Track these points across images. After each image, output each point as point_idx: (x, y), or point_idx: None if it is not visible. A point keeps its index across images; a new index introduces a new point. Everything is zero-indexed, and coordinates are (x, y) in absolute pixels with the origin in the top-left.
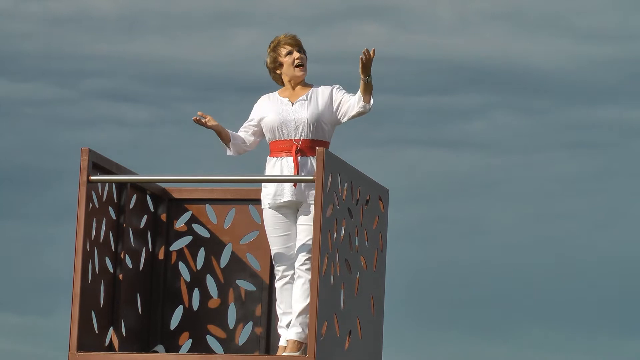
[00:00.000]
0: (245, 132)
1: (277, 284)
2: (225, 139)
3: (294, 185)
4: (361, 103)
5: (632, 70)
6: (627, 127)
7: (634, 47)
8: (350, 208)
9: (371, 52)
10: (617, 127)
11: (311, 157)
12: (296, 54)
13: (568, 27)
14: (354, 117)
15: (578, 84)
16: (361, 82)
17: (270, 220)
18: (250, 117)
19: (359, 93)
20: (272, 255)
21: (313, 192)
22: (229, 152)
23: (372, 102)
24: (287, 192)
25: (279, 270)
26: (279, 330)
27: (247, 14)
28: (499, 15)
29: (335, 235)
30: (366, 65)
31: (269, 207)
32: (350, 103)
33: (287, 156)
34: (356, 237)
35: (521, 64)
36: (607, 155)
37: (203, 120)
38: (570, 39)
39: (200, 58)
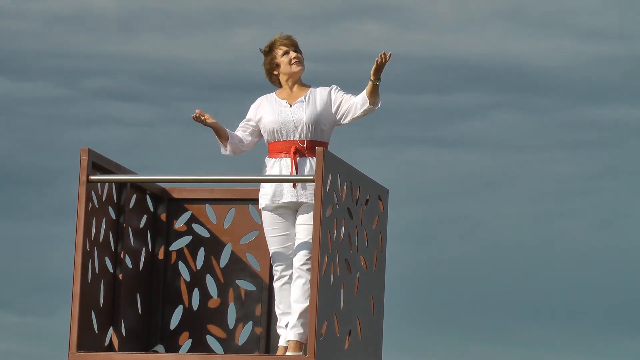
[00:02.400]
0: (243, 132)
1: (276, 284)
2: (222, 137)
3: (293, 186)
4: (367, 105)
5: (634, 69)
6: (629, 126)
7: (635, 45)
8: (350, 208)
9: (387, 56)
10: (618, 126)
11: (310, 158)
12: (292, 54)
13: (569, 25)
14: (358, 117)
15: (579, 83)
16: (370, 83)
17: (268, 220)
18: (248, 116)
19: (363, 94)
20: (271, 255)
21: (312, 192)
22: (225, 151)
23: (379, 103)
24: (286, 193)
25: (277, 270)
26: (278, 331)
27: (247, 13)
28: (499, 14)
29: (335, 235)
30: (379, 68)
31: (266, 208)
32: (352, 103)
33: (285, 157)
34: (356, 237)
35: (522, 62)
36: (608, 154)
37: (202, 118)
38: (571, 38)
39: (201, 57)
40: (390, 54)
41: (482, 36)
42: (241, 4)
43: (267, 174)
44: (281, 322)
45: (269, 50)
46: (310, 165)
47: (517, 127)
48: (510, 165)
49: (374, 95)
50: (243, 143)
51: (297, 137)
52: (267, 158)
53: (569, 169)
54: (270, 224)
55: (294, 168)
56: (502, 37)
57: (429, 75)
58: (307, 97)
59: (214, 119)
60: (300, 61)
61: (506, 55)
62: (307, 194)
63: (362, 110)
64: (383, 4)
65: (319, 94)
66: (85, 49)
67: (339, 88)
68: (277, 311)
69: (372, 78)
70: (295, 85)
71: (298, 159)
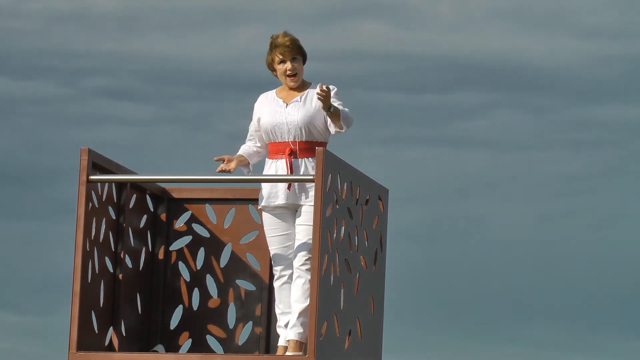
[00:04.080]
0: (255, 143)
1: (276, 284)
2: (244, 164)
3: (288, 188)
4: (334, 129)
5: (635, 68)
6: (630, 125)
7: (637, 44)
8: (350, 208)
9: (324, 88)
10: (619, 125)
11: (305, 159)
12: (288, 64)
13: (571, 24)
14: (335, 134)
15: (581, 82)
16: (326, 114)
17: (268, 220)
18: (253, 121)
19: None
20: (271, 255)
21: (308, 193)
22: (249, 172)
23: (345, 128)
24: (280, 195)
25: (276, 270)
26: (278, 330)
27: (248, 12)
28: (501, 13)
29: (335, 235)
30: (325, 101)
31: (265, 209)
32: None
33: (281, 158)
34: (356, 237)
35: (524, 61)
36: (609, 153)
37: (227, 169)
38: (573, 37)
39: (202, 56)
40: (328, 88)
41: (483, 35)
42: (242, 2)
43: (263, 174)
44: (281, 321)
45: (270, 51)
46: (305, 166)
47: (518, 127)
48: (511, 164)
49: (336, 121)
50: (260, 153)
51: (291, 139)
52: (266, 158)
53: (569, 168)
54: (270, 224)
55: (288, 170)
56: (503, 36)
57: (430, 74)
58: (303, 97)
59: (234, 160)
60: (295, 74)
61: (507, 54)
62: (303, 196)
63: (334, 131)
64: (384, 2)
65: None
66: (85, 48)
67: (336, 92)
68: (277, 311)
69: (323, 110)
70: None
71: (292, 160)
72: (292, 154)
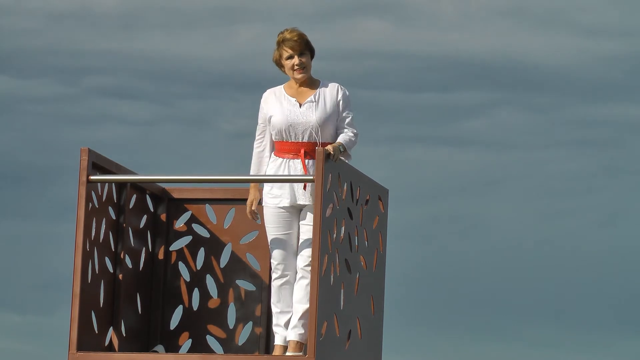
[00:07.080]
0: (263, 149)
1: (275, 283)
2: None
3: (304, 187)
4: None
5: (636, 67)
6: (631, 124)
7: (638, 43)
8: (350, 208)
9: (332, 159)
10: (620, 124)
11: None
12: (296, 59)
13: (571, 23)
14: None
15: (581, 81)
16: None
17: (271, 218)
18: (260, 120)
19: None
20: (271, 252)
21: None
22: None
23: (350, 155)
24: (285, 198)
25: (277, 268)
26: (275, 329)
27: (249, 10)
28: (501, 12)
29: (335, 235)
30: (335, 158)
31: (269, 206)
32: (339, 132)
33: (293, 158)
34: (356, 237)
35: (524, 60)
36: (610, 152)
37: (258, 215)
38: (573, 36)
39: (203, 55)
40: (330, 154)
41: (484, 34)
42: (242, 1)
43: (273, 172)
44: (279, 320)
45: (278, 47)
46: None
47: (518, 126)
48: (512, 163)
49: (345, 155)
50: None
51: (305, 139)
52: (273, 155)
53: (570, 167)
54: (273, 221)
55: (305, 171)
56: (504, 35)
57: (431, 73)
58: (316, 97)
59: (254, 201)
60: (303, 68)
61: (508, 53)
62: (309, 197)
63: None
64: (384, 1)
65: (329, 94)
66: (86, 47)
67: (347, 97)
68: (274, 309)
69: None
70: (304, 82)
71: (307, 161)
72: (307, 154)
